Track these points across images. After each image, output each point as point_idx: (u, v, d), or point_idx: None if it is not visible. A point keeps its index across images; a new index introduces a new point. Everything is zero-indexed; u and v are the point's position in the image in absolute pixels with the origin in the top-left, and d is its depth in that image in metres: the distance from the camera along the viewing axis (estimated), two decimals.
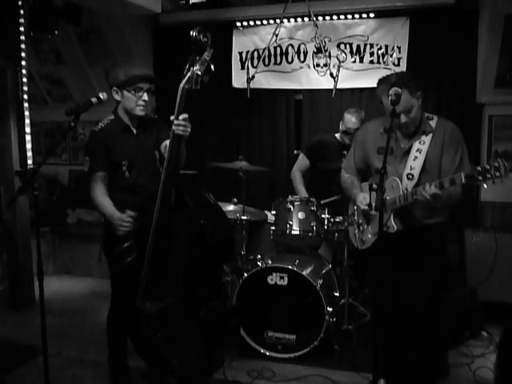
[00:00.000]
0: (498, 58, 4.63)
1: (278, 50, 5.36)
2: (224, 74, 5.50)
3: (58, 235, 6.09)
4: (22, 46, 4.78)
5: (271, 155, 5.61)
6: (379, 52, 5.05)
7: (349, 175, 3.32)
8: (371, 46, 5.07)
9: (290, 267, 3.79)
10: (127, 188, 3.03)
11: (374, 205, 2.86)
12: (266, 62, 5.40)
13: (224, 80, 5.53)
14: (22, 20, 4.75)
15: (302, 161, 4.72)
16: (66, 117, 2.75)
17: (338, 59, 5.07)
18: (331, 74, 4.73)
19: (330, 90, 4.80)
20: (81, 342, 4.13)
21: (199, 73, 2.63)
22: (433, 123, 2.99)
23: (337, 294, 4.04)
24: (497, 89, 4.81)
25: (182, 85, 2.67)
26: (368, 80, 5.05)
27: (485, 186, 2.52)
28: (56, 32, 4.94)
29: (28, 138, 4.85)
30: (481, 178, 2.49)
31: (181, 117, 2.68)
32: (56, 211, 6.23)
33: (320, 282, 3.78)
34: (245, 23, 5.40)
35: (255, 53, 5.43)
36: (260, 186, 5.55)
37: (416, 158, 2.94)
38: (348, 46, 5.14)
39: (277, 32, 4.92)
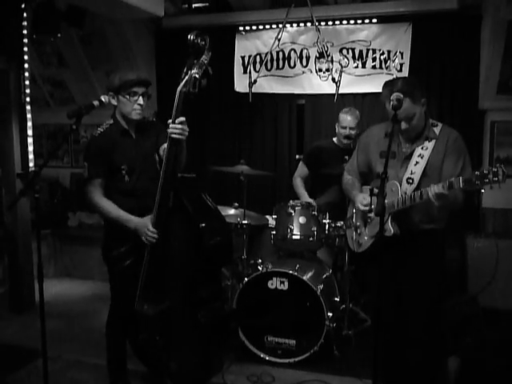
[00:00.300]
0: (501, 64, 4.63)
1: (281, 54, 5.37)
2: (226, 78, 5.51)
3: (59, 238, 6.09)
4: (25, 48, 4.78)
5: (273, 159, 5.61)
6: (381, 57, 5.06)
7: (350, 177, 3.33)
8: (373, 51, 5.08)
9: (290, 272, 3.78)
10: (127, 192, 3.02)
11: (374, 208, 2.86)
12: (269, 67, 5.41)
13: (226, 84, 5.54)
14: (24, 23, 4.76)
15: (302, 168, 4.73)
16: (68, 119, 2.76)
17: (341, 64, 5.08)
18: (333, 79, 4.74)
19: (333, 95, 4.82)
20: (81, 345, 4.12)
21: (197, 76, 2.63)
22: (437, 130, 2.98)
23: (337, 299, 4.03)
24: (499, 95, 4.81)
25: (179, 88, 2.68)
26: (370, 85, 5.07)
27: (483, 190, 2.51)
28: (59, 35, 4.95)
29: (30, 140, 4.85)
30: (478, 183, 2.48)
31: (177, 120, 2.69)
32: (57, 214, 6.23)
33: (320, 286, 3.77)
34: (247, 28, 5.42)
35: (257, 57, 5.44)
36: (261, 190, 5.54)
37: (417, 162, 2.94)
38: (350, 51, 5.15)
39: (279, 37, 4.94)
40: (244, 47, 5.51)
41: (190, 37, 2.63)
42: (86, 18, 4.96)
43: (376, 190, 2.46)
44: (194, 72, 2.64)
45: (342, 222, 4.02)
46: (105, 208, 2.97)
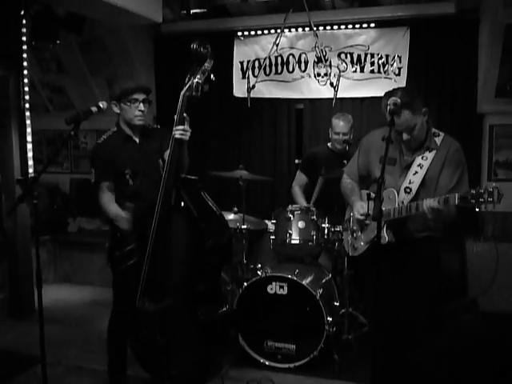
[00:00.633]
0: (499, 68, 4.64)
1: (279, 59, 5.38)
2: (225, 83, 5.52)
3: (59, 244, 6.09)
4: (24, 55, 4.80)
5: (272, 164, 5.62)
6: (380, 61, 5.07)
7: (350, 181, 3.32)
8: (372, 55, 5.10)
9: (289, 276, 3.77)
10: (131, 195, 3.13)
11: (371, 214, 2.86)
12: (267, 72, 5.42)
13: (225, 89, 5.55)
14: (24, 29, 4.78)
15: (299, 177, 4.73)
16: (66, 125, 2.78)
17: (339, 69, 5.10)
18: (331, 84, 4.75)
19: (331, 100, 4.82)
20: (80, 350, 4.11)
21: (200, 81, 2.79)
22: (438, 140, 2.98)
23: (337, 304, 4.02)
24: (497, 98, 4.82)
25: (182, 92, 2.81)
26: (369, 89, 5.08)
27: (477, 209, 2.52)
28: (58, 41, 4.98)
29: (29, 146, 4.86)
30: (474, 202, 2.49)
31: (180, 126, 2.79)
32: (57, 219, 6.23)
33: (320, 291, 3.77)
34: (246, 33, 5.44)
35: (256, 62, 5.46)
36: (260, 195, 5.55)
37: (416, 172, 2.93)
38: (348, 55, 5.17)
39: (278, 42, 4.96)
40: (242, 52, 5.53)
41: (193, 46, 2.78)
42: (84, 24, 4.98)
43: (373, 195, 2.46)
44: (197, 78, 2.79)
45: (341, 227, 4.02)
46: (109, 210, 3.11)
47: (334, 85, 4.74)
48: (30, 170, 4.86)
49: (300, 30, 5.24)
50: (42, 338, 2.75)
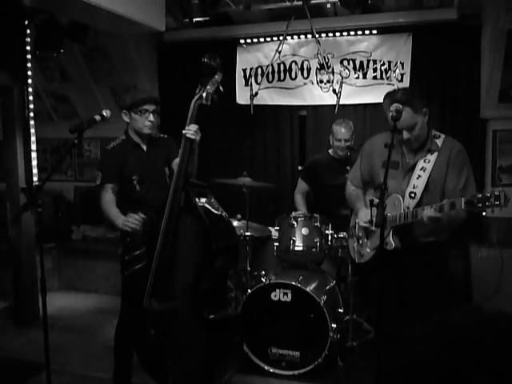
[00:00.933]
0: (502, 73, 4.64)
1: (282, 66, 5.39)
2: (228, 90, 5.52)
3: (63, 251, 6.10)
4: (29, 64, 4.85)
5: (275, 171, 5.62)
6: (382, 68, 5.08)
7: (354, 187, 3.33)
8: (374, 62, 5.10)
9: (293, 283, 3.77)
10: (138, 201, 3.22)
11: (374, 220, 2.86)
12: (270, 79, 5.44)
13: (228, 97, 5.56)
14: (28, 39, 4.83)
15: (300, 185, 4.73)
16: (70, 134, 2.80)
17: (341, 75, 5.11)
18: (334, 90, 4.77)
19: (334, 106, 4.84)
20: (85, 358, 4.11)
21: (210, 91, 2.98)
22: (439, 142, 2.97)
23: (341, 311, 4.02)
24: (500, 103, 4.81)
25: (194, 100, 3.00)
26: (371, 96, 5.08)
27: (484, 213, 2.52)
28: (62, 50, 5.01)
29: (34, 155, 4.90)
30: (480, 206, 2.49)
31: (191, 125, 2.95)
32: (61, 227, 6.25)
33: (324, 298, 3.76)
34: (248, 40, 5.45)
35: (259, 69, 5.47)
36: (264, 201, 5.55)
37: (419, 176, 2.93)
38: (351, 62, 5.17)
39: (280, 49, 4.98)
40: (245, 60, 5.55)
41: (204, 59, 2.99)
42: (88, 33, 5.01)
43: (376, 201, 2.46)
44: (208, 88, 2.98)
45: (345, 233, 4.02)
46: (107, 210, 3.17)
47: (337, 91, 4.76)
48: (35, 179, 4.89)
49: (302, 37, 5.25)
50: (47, 345, 2.76)
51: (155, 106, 3.25)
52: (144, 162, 3.27)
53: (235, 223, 4.40)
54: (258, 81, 5.41)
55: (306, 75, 5.34)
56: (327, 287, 4.02)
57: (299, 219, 4.09)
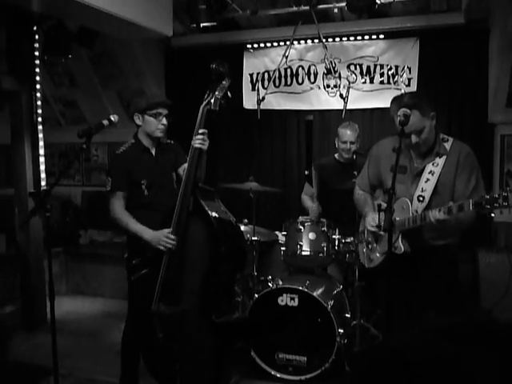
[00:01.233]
0: (509, 77, 4.62)
1: (289, 71, 5.40)
2: (235, 95, 5.51)
3: (71, 256, 6.13)
4: (37, 69, 4.88)
5: (282, 176, 5.62)
6: (389, 73, 5.07)
7: (362, 192, 3.32)
8: (381, 66, 5.10)
9: (300, 288, 3.76)
10: (146, 205, 3.23)
11: (383, 225, 2.85)
12: (277, 84, 5.44)
13: (235, 101, 5.54)
14: (36, 45, 4.87)
15: (307, 188, 4.73)
16: (79, 139, 2.82)
17: (348, 80, 5.10)
18: (341, 95, 4.76)
19: (341, 111, 4.82)
20: (92, 362, 4.12)
21: (218, 97, 3.00)
22: (447, 145, 2.96)
23: (348, 316, 4.00)
24: (508, 108, 4.79)
25: (202, 106, 3.02)
26: (378, 100, 5.08)
27: (492, 214, 2.51)
28: (70, 56, 5.04)
29: (42, 159, 4.93)
30: (489, 207, 2.48)
31: (200, 131, 2.97)
32: (69, 232, 6.27)
33: (331, 303, 3.75)
34: (255, 45, 5.47)
35: (266, 74, 5.48)
36: (271, 206, 5.55)
37: (428, 180, 2.91)
38: (358, 66, 5.17)
39: (287, 54, 4.98)
40: (252, 65, 5.56)
41: (212, 66, 3.00)
42: (96, 38, 5.04)
43: (384, 205, 2.46)
44: (217, 93, 3.00)
45: (352, 238, 4.01)
46: (123, 220, 3.17)
47: (344, 96, 4.75)
48: (43, 183, 4.92)
49: (309, 41, 5.25)
50: (55, 349, 2.77)
51: (167, 111, 3.30)
52: (153, 166, 3.29)
53: (242, 228, 4.39)
54: (265, 85, 5.42)
55: (312, 80, 5.34)
56: (334, 292, 4.00)
57: (306, 224, 4.09)
